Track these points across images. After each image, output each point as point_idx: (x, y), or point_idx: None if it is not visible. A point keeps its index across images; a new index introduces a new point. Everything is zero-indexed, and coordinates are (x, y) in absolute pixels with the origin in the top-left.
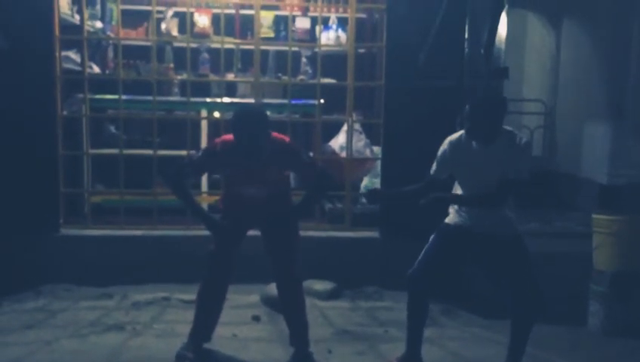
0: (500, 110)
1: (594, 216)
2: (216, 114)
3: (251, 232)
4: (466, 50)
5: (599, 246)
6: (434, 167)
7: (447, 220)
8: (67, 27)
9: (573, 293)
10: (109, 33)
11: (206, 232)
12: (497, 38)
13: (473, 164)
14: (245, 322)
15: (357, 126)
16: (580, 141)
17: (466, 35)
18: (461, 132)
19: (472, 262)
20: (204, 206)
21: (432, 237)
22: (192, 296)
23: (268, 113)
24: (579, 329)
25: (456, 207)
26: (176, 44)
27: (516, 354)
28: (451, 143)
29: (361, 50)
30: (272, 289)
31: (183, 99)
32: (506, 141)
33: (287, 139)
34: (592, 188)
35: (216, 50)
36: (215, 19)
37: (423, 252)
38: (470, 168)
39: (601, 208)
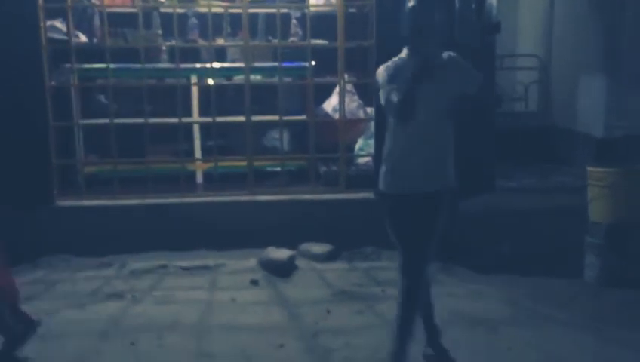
0: (435, 10)
1: (589, 168)
2: (210, 81)
3: (246, 197)
4: (457, 4)
5: (594, 198)
6: (394, 86)
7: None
8: None
9: (569, 246)
10: (94, 0)
11: (200, 199)
12: None
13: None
14: (244, 286)
15: (349, 87)
16: (576, 95)
17: None
18: (398, 56)
19: None
20: (199, 173)
21: None
22: (190, 263)
23: (259, 77)
24: (575, 282)
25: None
26: (163, 10)
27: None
28: (389, 66)
29: (352, 10)
30: (269, 253)
31: (172, 65)
32: (441, 59)
33: None
34: (589, 142)
35: (205, 15)
36: None
37: None
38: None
39: (597, 161)
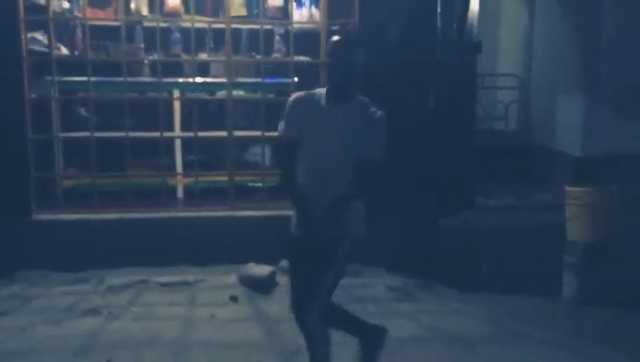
0: (359, 52)
1: (567, 188)
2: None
3: (227, 213)
4: (439, 24)
5: (572, 217)
6: (286, 126)
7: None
8: (32, 8)
9: (548, 264)
10: (76, 13)
11: (181, 213)
12: (470, 13)
13: (320, 124)
14: (223, 303)
15: None
16: (555, 114)
17: (439, 10)
18: (316, 90)
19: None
20: (180, 188)
21: None
22: (169, 278)
23: (242, 93)
24: (554, 300)
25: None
26: (146, 24)
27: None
28: (302, 97)
29: (335, 27)
30: (249, 269)
31: (155, 79)
32: (359, 107)
33: None
34: (567, 160)
35: (189, 30)
36: None
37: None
38: (316, 130)
39: (575, 180)
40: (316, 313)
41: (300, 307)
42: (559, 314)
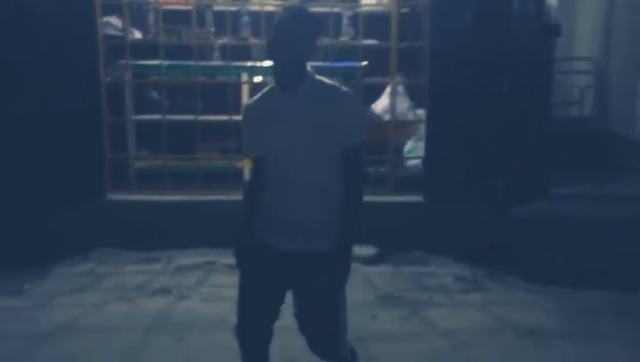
0: (306, 25)
1: None
2: (258, 78)
3: None
4: (515, 6)
5: None
6: (243, 145)
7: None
8: None
9: (626, 259)
10: None
11: None
12: None
13: (278, 122)
14: None
15: (400, 88)
16: (634, 101)
17: None
18: (264, 90)
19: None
20: (247, 171)
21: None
22: None
23: None
24: (632, 296)
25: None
26: (216, 8)
27: None
28: (252, 105)
29: (405, 10)
30: None
31: (224, 63)
32: (317, 86)
33: None
34: None
35: (258, 13)
36: None
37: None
38: (276, 131)
39: None
40: (344, 342)
41: (263, 335)
42: (634, 310)
